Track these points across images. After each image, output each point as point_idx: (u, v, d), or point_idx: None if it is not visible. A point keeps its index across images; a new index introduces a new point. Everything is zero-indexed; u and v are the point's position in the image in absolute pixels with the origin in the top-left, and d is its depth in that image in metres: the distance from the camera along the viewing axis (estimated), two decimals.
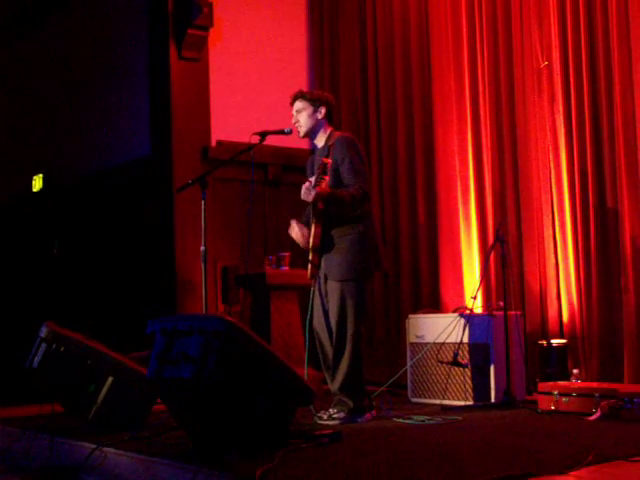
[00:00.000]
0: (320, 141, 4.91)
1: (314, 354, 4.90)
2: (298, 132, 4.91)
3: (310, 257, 4.71)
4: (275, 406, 3.78)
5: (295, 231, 4.85)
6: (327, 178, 4.60)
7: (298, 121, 4.88)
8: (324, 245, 4.70)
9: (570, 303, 5.88)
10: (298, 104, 4.88)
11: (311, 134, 4.91)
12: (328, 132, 4.88)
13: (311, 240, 4.69)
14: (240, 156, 5.08)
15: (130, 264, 7.60)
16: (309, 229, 4.75)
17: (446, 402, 5.45)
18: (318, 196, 4.57)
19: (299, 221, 4.90)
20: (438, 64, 6.91)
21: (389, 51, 7.34)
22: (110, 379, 4.54)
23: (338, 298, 4.69)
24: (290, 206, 7.11)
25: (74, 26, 8.88)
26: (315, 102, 4.85)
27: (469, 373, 5.44)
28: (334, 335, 4.72)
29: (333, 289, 4.72)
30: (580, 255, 5.84)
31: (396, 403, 5.35)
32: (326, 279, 4.77)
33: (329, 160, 4.65)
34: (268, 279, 6.15)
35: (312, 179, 4.65)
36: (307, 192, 4.60)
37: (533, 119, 6.18)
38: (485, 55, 6.54)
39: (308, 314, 4.87)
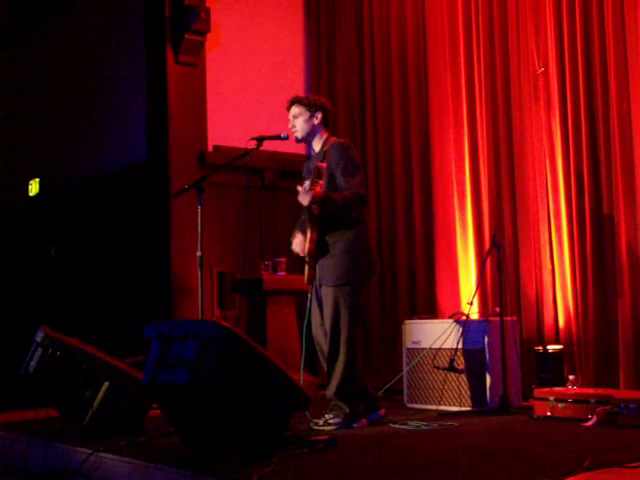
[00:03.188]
0: (316, 146, 4.93)
1: (310, 359, 4.90)
2: (294, 137, 4.93)
3: (307, 262, 4.72)
4: (271, 411, 3.77)
5: (299, 243, 4.86)
6: (321, 182, 4.62)
7: (294, 126, 4.90)
8: (319, 250, 4.71)
9: (566, 309, 5.89)
10: (295, 109, 4.90)
11: (307, 139, 4.93)
12: (324, 137, 4.90)
13: (307, 245, 4.70)
14: (237, 161, 5.09)
15: (126, 269, 7.59)
16: (304, 235, 4.77)
17: (442, 408, 5.45)
18: (313, 199, 4.58)
19: (296, 231, 4.92)
20: (435, 69, 6.92)
21: (386, 56, 7.34)
22: (106, 384, 4.53)
23: (332, 303, 4.69)
24: (287, 211, 7.11)
25: (71, 31, 8.87)
26: (311, 107, 4.87)
27: (465, 379, 5.44)
28: (328, 340, 4.72)
29: (327, 294, 4.73)
30: (576, 260, 5.85)
31: (392, 408, 5.34)
32: (321, 284, 4.78)
33: (324, 164, 4.70)
34: (264, 284, 6.15)
35: (307, 183, 4.68)
36: (303, 196, 4.62)
37: (529, 125, 6.19)
38: (482, 61, 6.54)
39: (305, 319, 4.87)
